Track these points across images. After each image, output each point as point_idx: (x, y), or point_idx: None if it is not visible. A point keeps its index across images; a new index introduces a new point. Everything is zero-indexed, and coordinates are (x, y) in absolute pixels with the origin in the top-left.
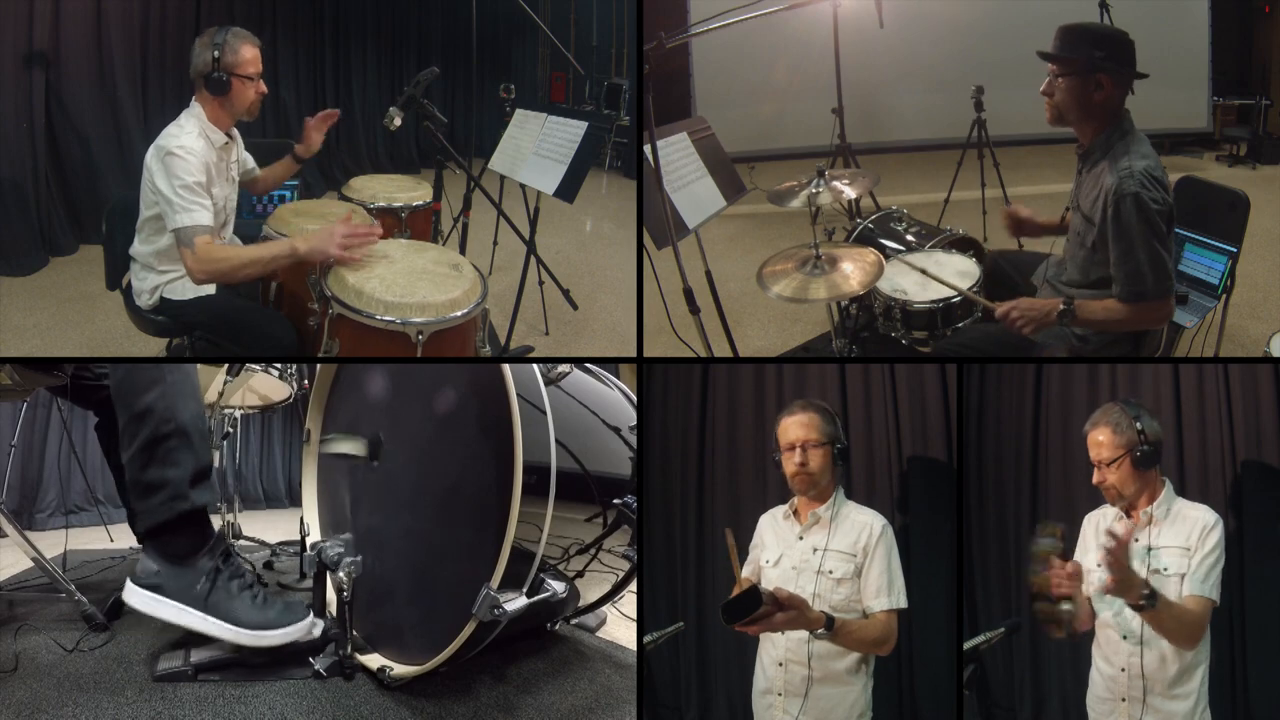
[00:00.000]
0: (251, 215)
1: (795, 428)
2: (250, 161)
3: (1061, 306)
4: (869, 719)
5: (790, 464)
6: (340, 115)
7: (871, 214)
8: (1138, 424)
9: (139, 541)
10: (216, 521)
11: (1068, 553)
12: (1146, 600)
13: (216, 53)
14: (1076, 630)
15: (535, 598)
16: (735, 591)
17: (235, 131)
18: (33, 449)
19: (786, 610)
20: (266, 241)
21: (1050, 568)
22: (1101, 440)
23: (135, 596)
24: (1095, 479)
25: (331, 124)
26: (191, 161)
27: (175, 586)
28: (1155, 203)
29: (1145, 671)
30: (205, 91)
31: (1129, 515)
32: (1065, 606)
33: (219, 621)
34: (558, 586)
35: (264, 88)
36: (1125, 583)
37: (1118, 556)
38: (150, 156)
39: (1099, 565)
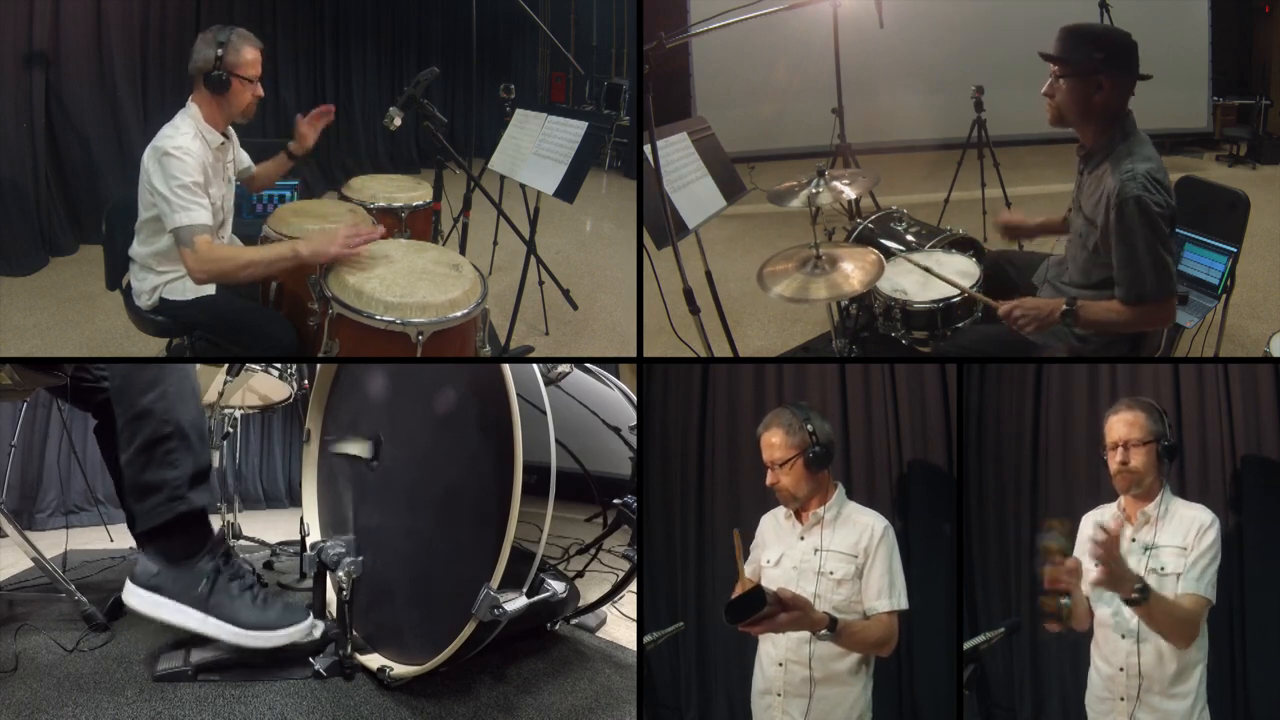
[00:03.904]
0: (251, 215)
1: (766, 447)
2: (246, 159)
3: (1064, 307)
4: (869, 719)
5: (770, 481)
6: (336, 110)
7: (871, 214)
8: (808, 426)
9: (138, 544)
10: (216, 522)
11: (1068, 549)
12: (1139, 594)
13: (220, 51)
14: (1075, 627)
15: (535, 598)
16: (738, 590)
17: (231, 131)
18: (33, 449)
19: (790, 611)
20: (269, 243)
21: (1054, 563)
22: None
23: (135, 597)
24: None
25: (326, 122)
26: (188, 161)
27: (175, 587)
28: (1158, 205)
29: (1143, 671)
30: (203, 90)
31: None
32: (1063, 601)
33: (219, 622)
34: (558, 586)
35: (261, 91)
36: (1116, 577)
37: (1108, 550)
38: (147, 157)
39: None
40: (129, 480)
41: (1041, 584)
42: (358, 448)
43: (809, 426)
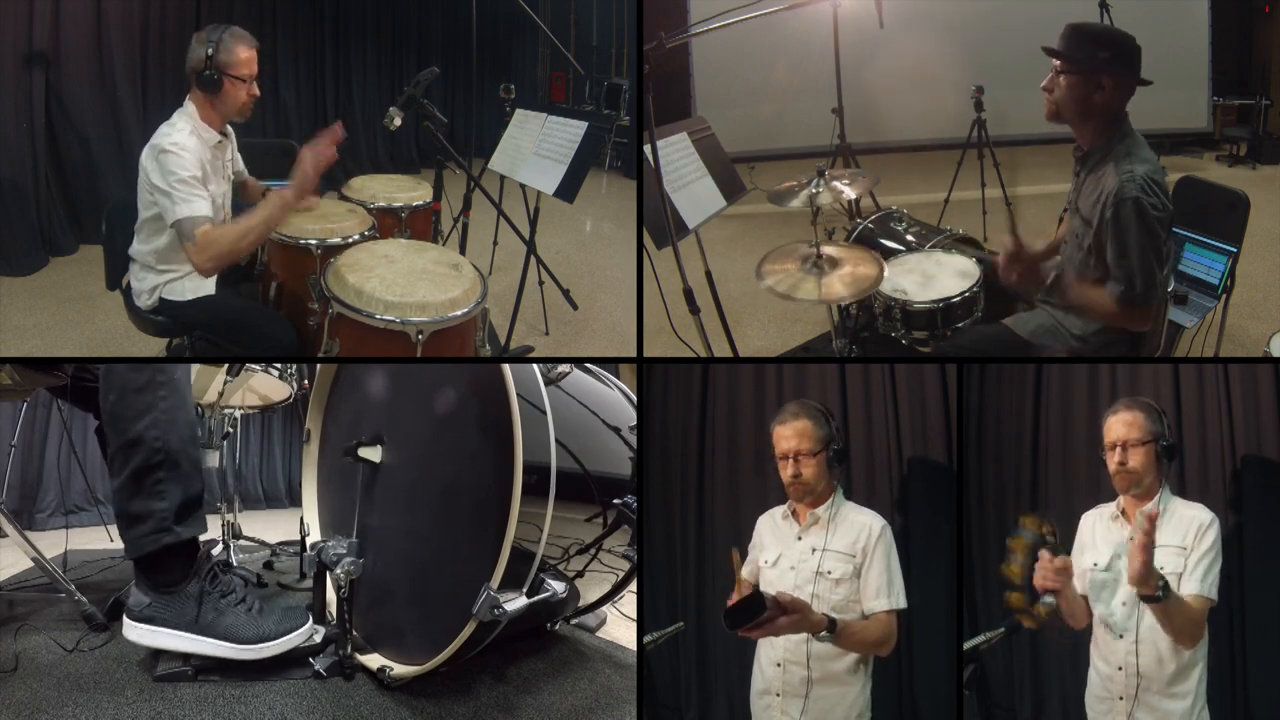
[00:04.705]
0: None
1: (787, 438)
2: (240, 163)
3: (1054, 273)
4: (868, 719)
5: (785, 474)
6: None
7: (871, 214)
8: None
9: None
10: (216, 521)
11: (1058, 549)
12: (1162, 592)
13: (210, 50)
14: (1072, 626)
15: (535, 598)
16: (734, 598)
17: (230, 130)
18: (33, 449)
19: (789, 614)
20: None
21: (1032, 560)
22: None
23: (133, 632)
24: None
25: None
26: (186, 157)
27: (168, 615)
28: (1155, 209)
29: (1142, 670)
30: (197, 89)
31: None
32: (1047, 600)
33: (217, 641)
34: (558, 586)
35: (257, 91)
36: (1148, 570)
37: (1148, 544)
38: (145, 156)
39: (1095, 565)
40: (117, 507)
41: (1007, 578)
42: (374, 453)
43: (832, 421)
